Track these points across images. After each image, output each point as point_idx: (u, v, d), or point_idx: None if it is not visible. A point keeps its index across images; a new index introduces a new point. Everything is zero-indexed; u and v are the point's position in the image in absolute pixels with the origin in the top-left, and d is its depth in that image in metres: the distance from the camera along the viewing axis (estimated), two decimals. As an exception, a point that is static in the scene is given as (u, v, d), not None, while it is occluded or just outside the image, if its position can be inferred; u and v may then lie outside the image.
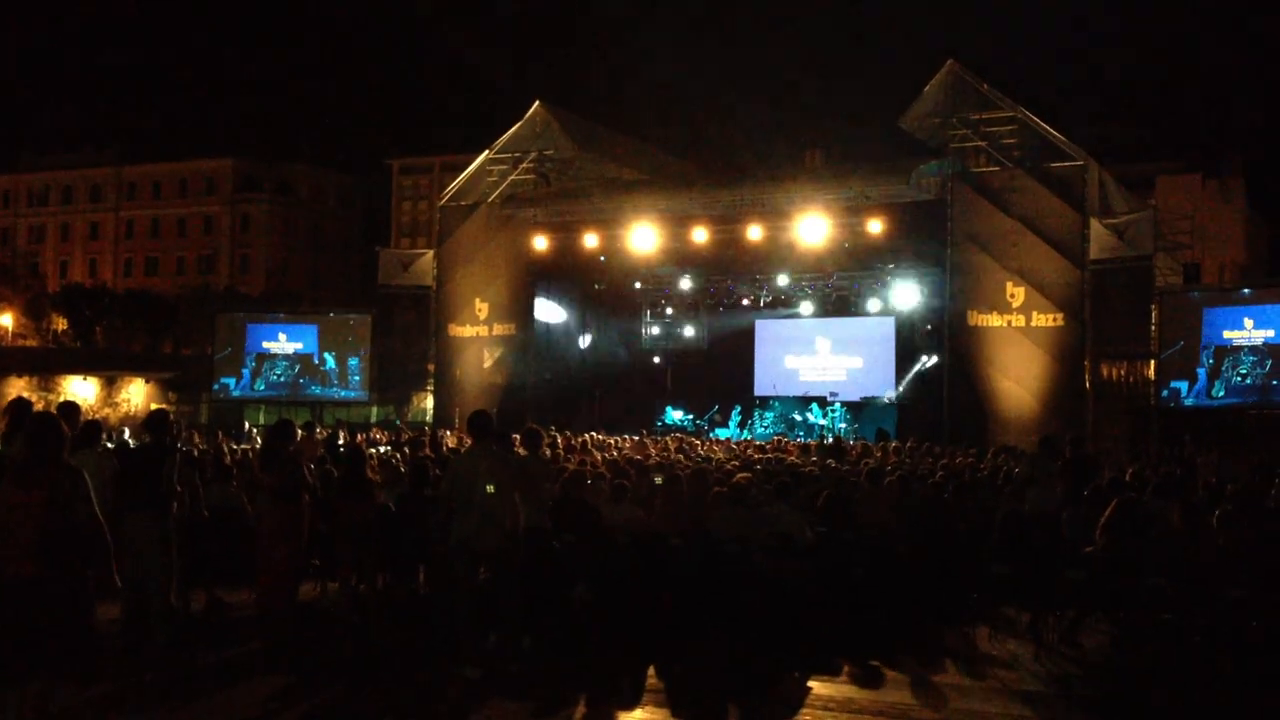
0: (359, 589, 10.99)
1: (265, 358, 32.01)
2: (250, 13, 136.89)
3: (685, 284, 33.48)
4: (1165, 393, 24.32)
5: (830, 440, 24.17)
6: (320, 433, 21.91)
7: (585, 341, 32.81)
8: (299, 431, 12.14)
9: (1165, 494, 10.88)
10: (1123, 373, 24.97)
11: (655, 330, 35.73)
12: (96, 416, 32.66)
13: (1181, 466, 16.02)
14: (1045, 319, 24.14)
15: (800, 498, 11.41)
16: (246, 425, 25.39)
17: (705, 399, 34.10)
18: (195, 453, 14.78)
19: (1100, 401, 24.34)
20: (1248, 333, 23.81)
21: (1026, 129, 24.80)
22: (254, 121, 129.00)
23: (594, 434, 24.86)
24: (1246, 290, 25.14)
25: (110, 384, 44.88)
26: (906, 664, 8.91)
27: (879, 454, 18.16)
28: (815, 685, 8.30)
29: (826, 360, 34.60)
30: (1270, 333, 23.45)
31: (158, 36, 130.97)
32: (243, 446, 19.12)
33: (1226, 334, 24.04)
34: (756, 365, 35.60)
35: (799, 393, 33.38)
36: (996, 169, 25.04)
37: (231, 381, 32.03)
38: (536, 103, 29.53)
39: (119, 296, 61.74)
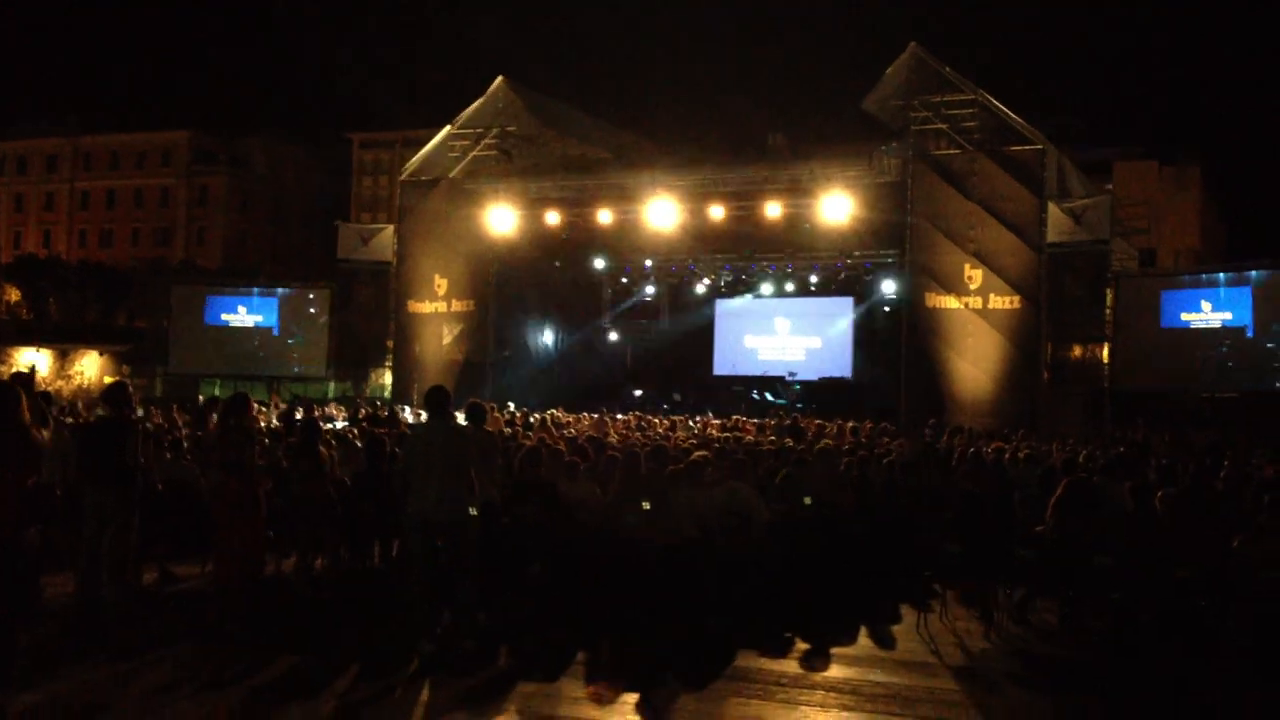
0: (314, 564, 10.95)
1: (223, 330, 31.75)
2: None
3: (647, 263, 33.44)
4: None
5: (789, 420, 24.31)
6: (276, 407, 21.75)
7: (546, 319, 32.72)
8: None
9: (1115, 475, 11.03)
10: (1078, 355, 25.19)
11: (617, 309, 35.69)
12: (49, 389, 32.31)
13: (1133, 448, 16.21)
14: (1002, 301, 24.32)
15: (757, 476, 11.48)
16: (201, 398, 25.10)
17: (666, 378, 34.19)
18: (150, 426, 14.65)
19: (1056, 384, 24.56)
20: (1205, 315, 24.06)
21: (986, 112, 24.91)
22: (212, 94, 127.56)
23: (553, 412, 24.85)
24: (1203, 275, 25.34)
25: (63, 357, 44.41)
26: (859, 640, 9.01)
27: (834, 433, 18.25)
28: (769, 661, 8.37)
29: (785, 340, 34.74)
30: (1228, 315, 23.69)
31: (115, 7, 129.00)
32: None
33: (1184, 316, 24.28)
34: (716, 345, 35.72)
35: (758, 372, 33.56)
36: (957, 151, 25.17)
37: (187, 354, 31.78)
38: (499, 79, 29.34)
39: (73, 268, 60.99)
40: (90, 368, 44.30)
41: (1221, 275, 24.69)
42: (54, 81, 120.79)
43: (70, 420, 13.86)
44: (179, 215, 77.01)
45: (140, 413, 15.97)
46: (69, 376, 43.47)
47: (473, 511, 8.73)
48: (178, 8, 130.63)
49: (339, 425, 18.78)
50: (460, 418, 10.91)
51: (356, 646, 8.73)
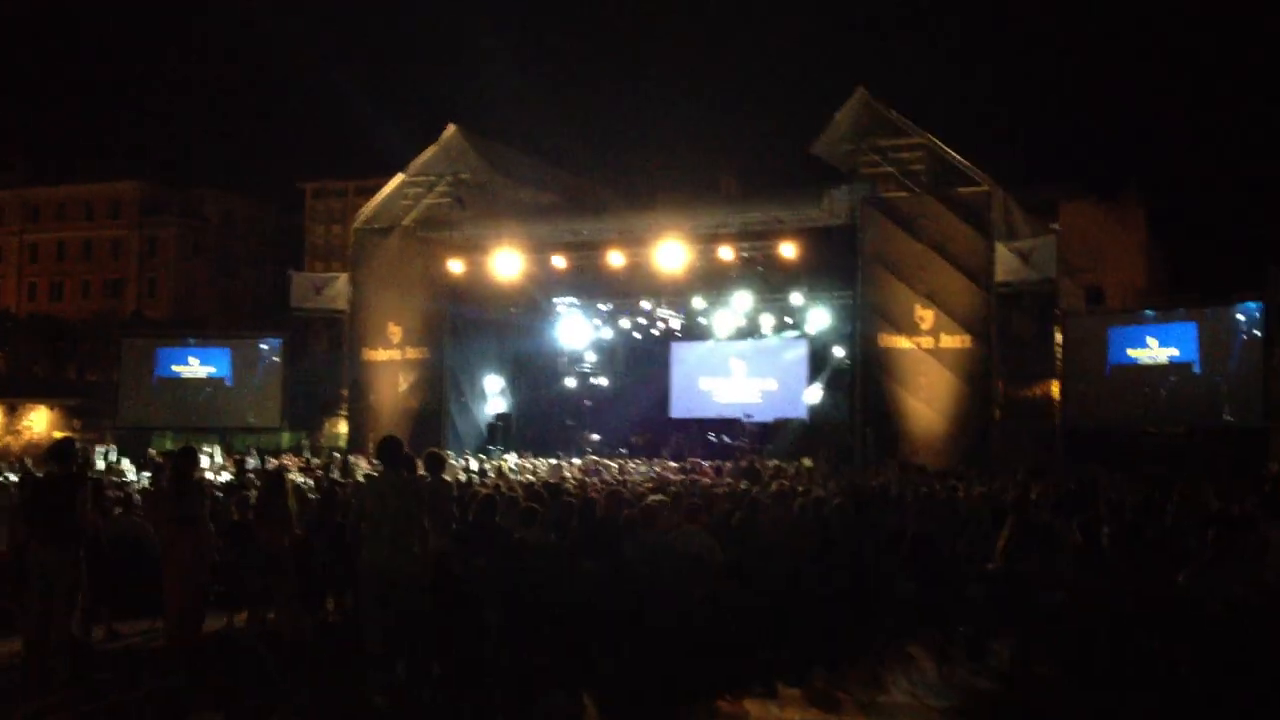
0: (268, 619, 10.85)
1: (174, 383, 31.44)
2: (158, 35, 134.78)
3: (601, 307, 33.54)
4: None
5: (744, 462, 24.39)
6: (228, 461, 21.57)
7: (502, 365, 32.65)
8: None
9: (1065, 512, 11.15)
10: (1029, 393, 25.46)
11: (572, 353, 35.66)
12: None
13: (1083, 485, 16.37)
14: (954, 341, 24.57)
15: (712, 519, 11.50)
16: (151, 452, 24.82)
17: (622, 422, 34.21)
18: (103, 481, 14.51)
19: (1007, 421, 24.78)
20: (1152, 351, 24.37)
21: (934, 155, 25.25)
22: (161, 144, 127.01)
23: (510, 458, 24.82)
24: (1150, 311, 25.69)
25: (12, 411, 43.73)
26: (814, 682, 9.04)
27: (791, 475, 18.34)
28: (723, 704, 8.40)
29: (741, 382, 34.87)
30: (1175, 351, 23.99)
31: (62, 58, 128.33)
32: (144, 475, 18.73)
33: (1131, 353, 24.59)
34: (672, 388, 35.78)
35: (714, 414, 33.64)
36: (905, 194, 25.48)
37: (138, 407, 31.44)
38: (451, 126, 29.44)
39: (21, 321, 60.23)
40: (40, 422, 43.66)
41: (1166, 312, 25.06)
42: (1, 133, 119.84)
43: (17, 477, 13.69)
44: (130, 266, 76.35)
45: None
46: (18, 431, 42.81)
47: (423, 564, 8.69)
48: (125, 58, 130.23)
49: (294, 477, 18.63)
50: (420, 467, 10.87)
51: (311, 700, 8.66)
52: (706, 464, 23.99)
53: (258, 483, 14.75)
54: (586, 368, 35.72)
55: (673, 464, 24.43)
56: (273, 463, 21.42)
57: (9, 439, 40.62)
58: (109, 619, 10.65)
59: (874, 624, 10.00)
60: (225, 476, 18.15)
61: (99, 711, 8.46)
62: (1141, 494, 13.40)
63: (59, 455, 9.46)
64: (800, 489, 13.99)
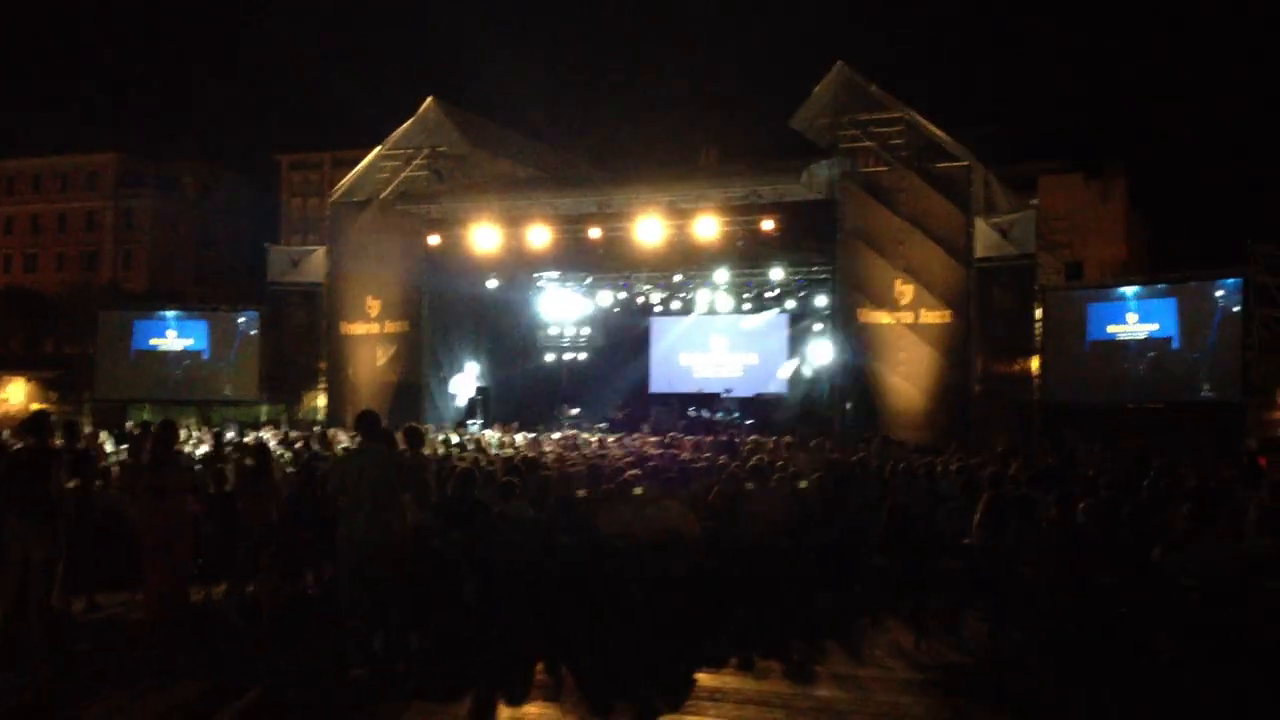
0: (248, 591, 10.83)
1: (151, 356, 31.26)
2: (135, 6, 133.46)
3: (581, 281, 33.51)
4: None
5: (724, 437, 24.42)
6: (206, 434, 21.46)
7: (480, 339, 32.57)
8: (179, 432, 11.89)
9: (1042, 486, 11.20)
10: (1008, 368, 25.51)
11: (551, 328, 35.62)
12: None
13: (1060, 459, 16.47)
14: (933, 316, 24.58)
15: (690, 493, 11.54)
16: (129, 425, 24.65)
17: (602, 396, 34.23)
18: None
19: (987, 397, 24.84)
20: (1131, 327, 24.40)
21: (913, 130, 25.21)
22: (138, 116, 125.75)
23: (489, 432, 24.79)
24: (1129, 287, 25.67)
25: (-12, 384, 43.50)
26: (791, 655, 9.08)
27: (770, 449, 18.36)
28: (701, 677, 8.42)
29: (721, 357, 34.95)
30: (1155, 326, 23.98)
31: (38, 28, 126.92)
32: (122, 447, 18.61)
33: (1110, 328, 24.61)
34: (652, 363, 35.88)
35: (694, 389, 33.72)
36: (885, 169, 25.45)
37: (115, 380, 31.27)
38: (430, 99, 29.22)
39: (-3, 293, 59.86)
40: (16, 395, 43.43)
41: (1146, 287, 25.08)
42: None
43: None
44: (106, 239, 75.78)
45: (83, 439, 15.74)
46: (-6, 404, 42.58)
47: (402, 538, 8.68)
48: (100, 29, 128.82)
49: (272, 448, 18.55)
50: (399, 441, 10.84)
51: (290, 672, 8.66)
52: (687, 439, 24.01)
53: (235, 456, 14.70)
54: (566, 342, 35.69)
55: (653, 439, 24.41)
56: (254, 437, 21.31)
57: (-15, 412, 40.37)
58: (90, 591, 10.61)
59: (851, 597, 10.04)
60: (203, 449, 18.04)
61: (77, 681, 8.44)
62: (1119, 469, 13.48)
63: (34, 428, 9.41)
64: (778, 464, 14.03)
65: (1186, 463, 15.83)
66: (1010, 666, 8.96)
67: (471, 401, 30.59)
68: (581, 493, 11.38)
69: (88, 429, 20.76)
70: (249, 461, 11.76)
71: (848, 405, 25.25)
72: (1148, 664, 8.31)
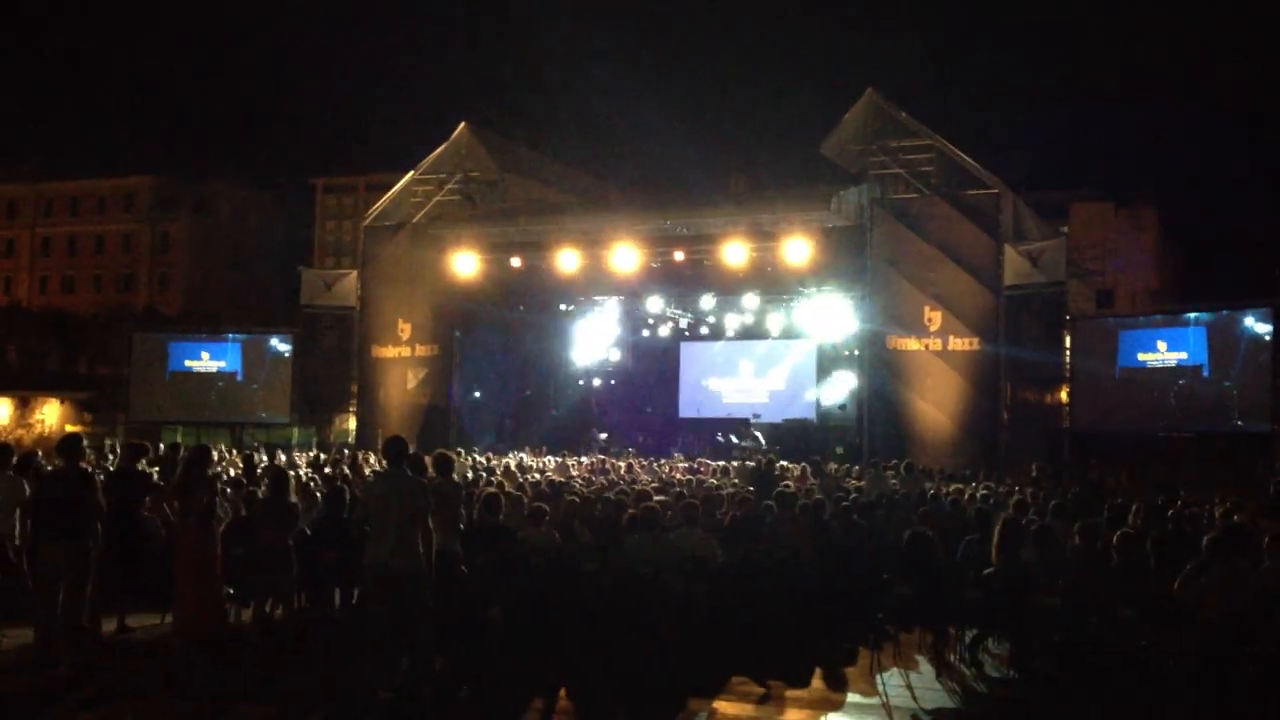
0: (273, 614, 10.93)
1: (185, 377, 31.58)
2: (172, 30, 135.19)
3: (611, 307, 33.63)
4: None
5: (751, 463, 24.44)
6: (235, 456, 21.63)
7: (510, 364, 32.75)
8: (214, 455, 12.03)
9: (1066, 516, 11.19)
10: (1037, 396, 25.43)
11: (581, 352, 35.74)
12: (9, 438, 32.01)
13: (1087, 488, 16.42)
14: (962, 343, 24.55)
15: (714, 520, 11.59)
16: (163, 448, 24.89)
17: (631, 420, 34.33)
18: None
19: (1015, 425, 24.77)
20: (1161, 355, 24.27)
21: (943, 157, 25.25)
22: (174, 139, 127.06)
23: (520, 455, 24.90)
24: (1160, 315, 25.59)
25: (24, 405, 44.00)
26: (813, 684, 9.10)
27: (796, 477, 18.39)
28: (724, 704, 8.45)
29: (749, 382, 34.98)
30: (1184, 355, 23.88)
31: (77, 52, 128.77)
32: (154, 470, 18.78)
33: (1141, 356, 24.50)
34: (681, 388, 35.93)
35: (722, 414, 33.74)
36: (914, 195, 25.52)
37: (148, 401, 31.59)
38: (462, 124, 29.53)
39: (34, 315, 60.52)
40: (51, 416, 43.91)
41: (1177, 315, 24.97)
42: (14, 126, 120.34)
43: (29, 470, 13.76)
44: (141, 261, 76.59)
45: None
46: (29, 425, 43.04)
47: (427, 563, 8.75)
48: (139, 53, 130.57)
49: (303, 472, 18.71)
50: (429, 466, 10.92)
51: (316, 695, 8.75)
52: (713, 464, 24.05)
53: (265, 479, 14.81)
54: (595, 366, 35.79)
55: (682, 464, 24.48)
56: (272, 460, 21.45)
57: (20, 432, 40.83)
58: (122, 612, 10.73)
59: (873, 626, 10.04)
60: (233, 472, 18.19)
61: (106, 698, 8.55)
62: (1146, 499, 13.44)
63: (66, 450, 9.56)
64: (804, 491, 14.07)
65: (1215, 493, 15.76)
66: (1031, 696, 8.94)
67: (500, 425, 30.72)
68: (607, 519, 11.45)
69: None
70: (264, 485, 11.85)
71: (876, 432, 25.20)
72: (1168, 695, 8.29)
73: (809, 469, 20.27)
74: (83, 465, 9.57)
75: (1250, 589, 8.23)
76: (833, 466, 22.60)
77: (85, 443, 10.13)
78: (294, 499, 11.56)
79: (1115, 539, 9.24)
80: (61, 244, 78.24)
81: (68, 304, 68.37)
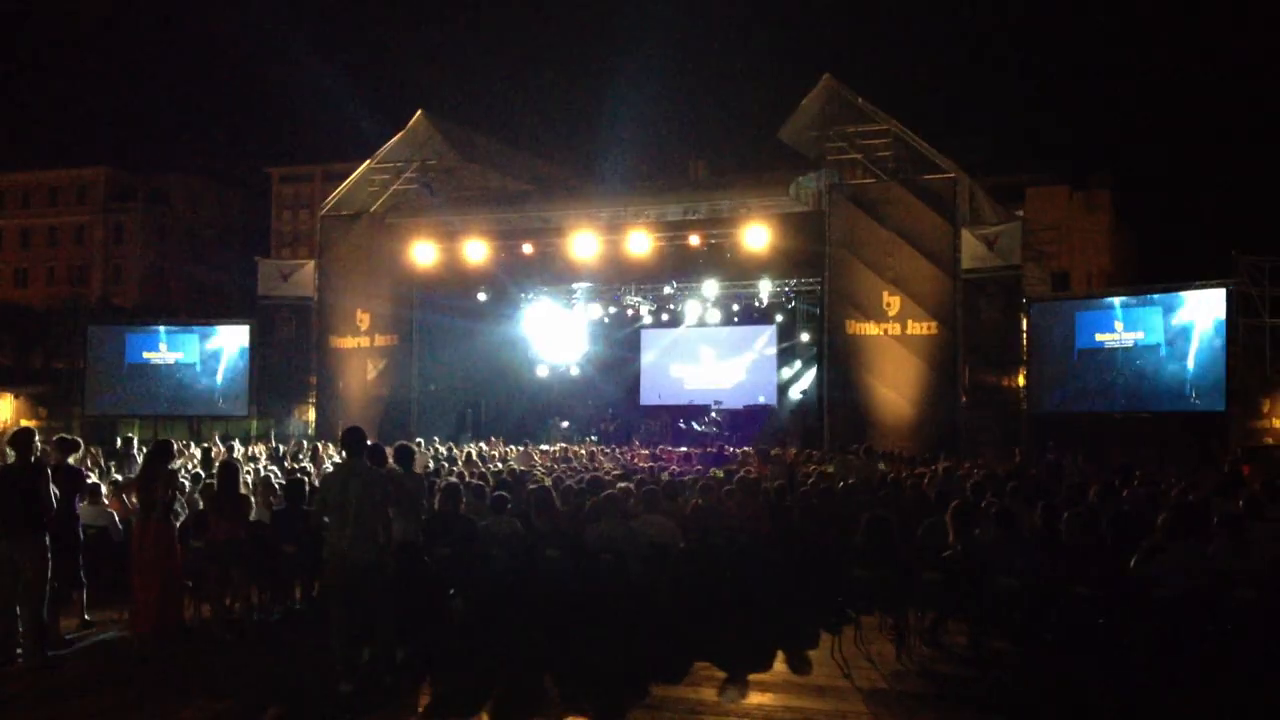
0: (231, 607, 10.86)
1: (143, 369, 31.26)
2: (125, 20, 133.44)
3: (570, 293, 33.58)
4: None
5: (713, 449, 24.56)
6: (194, 449, 21.44)
7: (471, 353, 32.62)
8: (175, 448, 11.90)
9: (1024, 497, 11.30)
10: (995, 379, 25.61)
11: (542, 341, 35.65)
12: (-39, 433, 31.52)
13: (1045, 469, 16.57)
14: (920, 327, 24.71)
15: (675, 506, 11.62)
16: (119, 441, 24.63)
17: (593, 409, 34.31)
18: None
19: (974, 407, 24.96)
20: (1118, 335, 24.47)
21: (900, 142, 25.35)
22: (128, 130, 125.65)
23: (480, 445, 24.82)
24: (1116, 297, 25.74)
25: (-24, 400, 43.32)
26: (774, 666, 9.15)
27: (757, 463, 18.44)
28: (686, 690, 8.48)
29: (710, 369, 35.06)
30: (1140, 335, 24.09)
31: (29, 43, 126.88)
32: (109, 464, 18.63)
33: (1099, 337, 24.69)
34: (642, 375, 35.97)
35: (684, 401, 33.82)
36: (872, 181, 25.62)
37: (105, 394, 31.27)
38: (419, 112, 29.33)
39: (-14, 308, 59.69)
40: (5, 411, 43.28)
41: (1133, 297, 25.17)
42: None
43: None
44: (95, 253, 75.74)
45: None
46: (-18, 419, 42.42)
47: (387, 553, 8.71)
48: (92, 43, 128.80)
49: (262, 464, 18.58)
50: (390, 458, 10.86)
51: (276, 687, 8.71)
52: (676, 451, 24.11)
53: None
54: (556, 355, 35.73)
55: (644, 451, 24.51)
56: (225, 452, 21.29)
57: (-27, 427, 40.25)
58: (82, 607, 10.63)
59: (832, 608, 10.09)
60: (191, 466, 18.05)
61: (65, 694, 8.48)
62: (1102, 479, 13.57)
63: (17, 445, 9.46)
64: (764, 476, 14.13)
65: (1171, 472, 15.95)
66: (990, 676, 9.03)
67: (462, 414, 30.63)
68: (569, 506, 11.45)
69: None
70: (214, 478, 11.74)
71: (836, 416, 25.34)
72: (1124, 673, 8.40)
73: (770, 453, 20.33)
74: (35, 459, 9.45)
75: (1204, 568, 8.36)
76: (792, 451, 22.70)
77: (38, 437, 9.96)
78: (244, 491, 11.48)
79: (1070, 519, 9.33)
80: (13, 236, 77.26)
81: (21, 297, 67.54)
